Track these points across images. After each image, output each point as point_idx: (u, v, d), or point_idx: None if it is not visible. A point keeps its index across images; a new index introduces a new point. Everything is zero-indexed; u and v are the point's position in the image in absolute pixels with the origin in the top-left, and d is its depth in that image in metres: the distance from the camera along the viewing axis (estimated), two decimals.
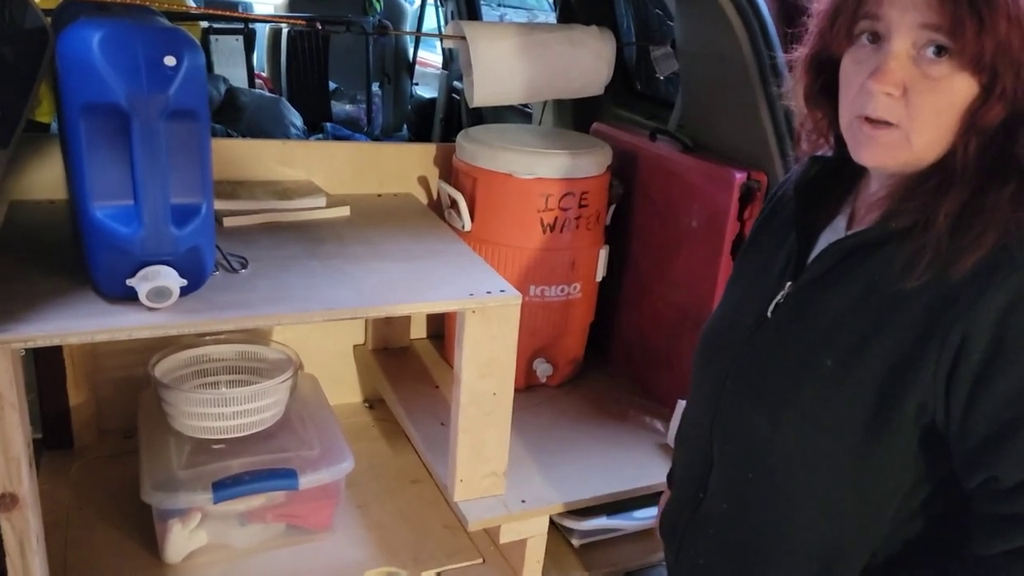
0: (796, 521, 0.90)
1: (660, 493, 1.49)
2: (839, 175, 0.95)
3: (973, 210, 0.77)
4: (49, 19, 1.26)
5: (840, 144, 0.93)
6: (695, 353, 1.08)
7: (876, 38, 0.80)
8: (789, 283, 0.93)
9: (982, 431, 0.77)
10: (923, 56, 0.76)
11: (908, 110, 0.78)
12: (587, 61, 1.82)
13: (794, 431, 0.87)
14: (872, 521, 0.86)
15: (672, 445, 1.62)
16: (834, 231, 0.93)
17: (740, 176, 1.57)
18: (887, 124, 0.79)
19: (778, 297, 0.93)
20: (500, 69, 1.73)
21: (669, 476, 1.26)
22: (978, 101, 0.76)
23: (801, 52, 0.91)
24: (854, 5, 0.81)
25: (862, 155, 0.83)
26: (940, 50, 0.75)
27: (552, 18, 2.46)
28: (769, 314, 0.93)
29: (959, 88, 0.76)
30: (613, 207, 1.82)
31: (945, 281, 0.78)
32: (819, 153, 0.98)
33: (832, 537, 0.88)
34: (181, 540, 1.39)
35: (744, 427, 0.93)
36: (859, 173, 0.93)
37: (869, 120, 0.80)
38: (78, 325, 1.07)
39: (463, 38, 1.71)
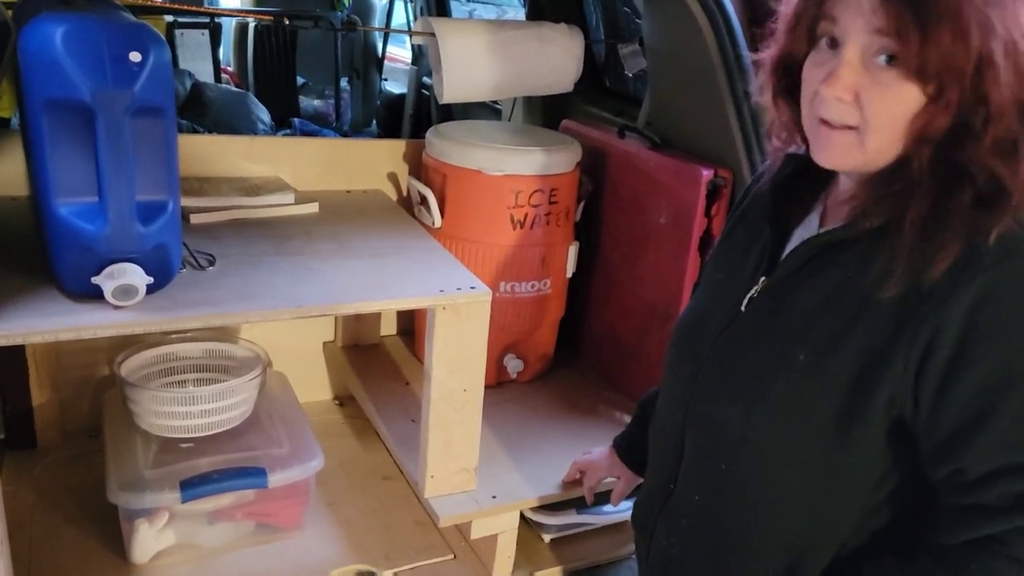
0: (767, 512, 0.91)
1: (633, 488, 1.52)
2: (812, 173, 0.96)
3: (937, 217, 0.79)
4: (11, 12, 1.25)
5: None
6: (668, 346, 1.09)
7: (834, 43, 0.81)
8: (763, 279, 0.94)
9: (949, 425, 0.79)
10: (874, 63, 0.78)
11: (863, 114, 0.79)
12: (556, 59, 1.82)
13: (766, 424, 0.89)
14: (841, 512, 0.88)
15: None
16: (807, 228, 0.95)
17: (707, 173, 1.59)
18: (844, 127, 0.80)
19: (752, 292, 0.94)
20: (469, 66, 1.73)
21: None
22: (926, 110, 0.78)
23: (768, 52, 0.93)
24: (815, 8, 0.82)
25: (819, 156, 0.85)
26: (890, 58, 0.77)
27: (521, 14, 2.46)
28: (743, 308, 0.95)
29: (908, 95, 0.77)
30: (583, 203, 1.83)
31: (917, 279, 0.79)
32: (792, 150, 0.99)
33: (803, 527, 0.90)
34: (148, 540, 1.37)
35: (716, 420, 0.94)
36: (830, 171, 0.94)
37: (826, 122, 0.82)
38: (42, 324, 1.05)
39: (432, 35, 1.71)
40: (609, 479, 1.41)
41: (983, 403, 0.76)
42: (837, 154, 0.83)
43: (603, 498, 1.56)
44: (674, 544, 1.02)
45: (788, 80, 0.91)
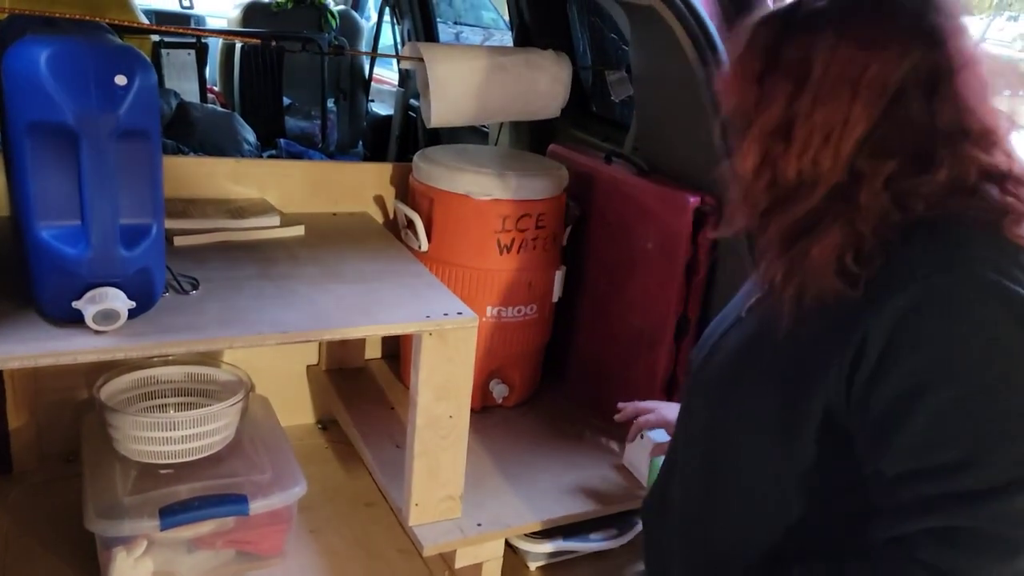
0: (731, 508, 0.96)
1: (618, 515, 1.53)
2: None
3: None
4: None
5: None
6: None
7: None
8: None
9: (870, 428, 0.83)
10: None
11: None
12: (544, 85, 1.83)
13: (730, 421, 0.95)
14: (792, 503, 0.91)
15: (628, 466, 1.63)
16: None
17: (694, 200, 1.59)
18: None
19: (751, 300, 1.00)
20: (458, 91, 1.74)
21: None
22: None
23: None
24: None
25: None
26: None
27: (508, 37, 2.48)
28: (743, 314, 1.01)
29: None
30: (569, 228, 1.83)
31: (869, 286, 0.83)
32: None
33: (755, 519, 0.94)
34: (126, 569, 1.34)
35: (695, 417, 1.02)
36: None
37: None
38: (20, 348, 1.03)
39: (421, 60, 1.71)
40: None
41: (899, 408, 0.80)
42: None
43: (590, 526, 1.56)
44: (664, 536, 1.08)
45: None
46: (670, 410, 1.41)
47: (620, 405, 1.52)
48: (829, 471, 0.88)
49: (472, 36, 4.86)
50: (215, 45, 4.05)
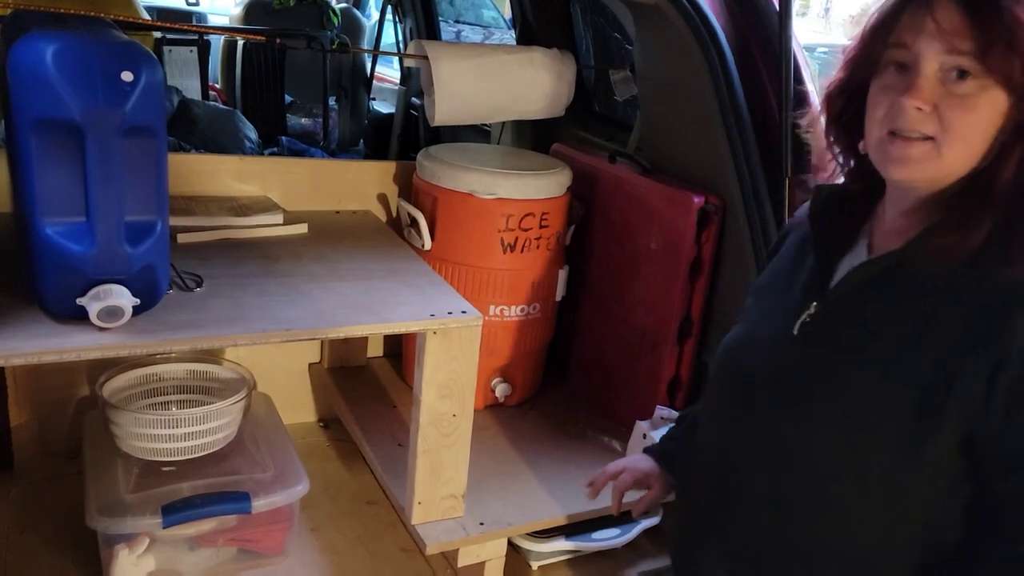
0: (831, 531, 0.92)
1: (621, 514, 1.51)
2: (853, 204, 1.01)
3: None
4: None
5: (862, 172, 0.99)
6: (714, 370, 1.11)
7: (903, 68, 0.87)
8: (815, 303, 0.96)
9: (1018, 438, 0.81)
10: (949, 78, 0.84)
11: (941, 124, 0.85)
12: (548, 83, 1.83)
13: (828, 441, 0.91)
14: (907, 530, 0.89)
15: None
16: (855, 256, 0.98)
17: (698, 200, 1.59)
18: (919, 140, 0.86)
19: (803, 316, 0.97)
20: (462, 89, 1.73)
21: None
22: (1012, 113, 0.84)
23: (830, 80, 0.97)
24: (884, 34, 0.88)
25: (892, 170, 0.89)
26: (963, 73, 0.84)
27: (508, 35, 2.48)
28: (795, 331, 0.97)
29: (986, 105, 0.84)
30: (573, 228, 1.83)
31: (985, 296, 0.84)
32: (826, 181, 1.05)
33: (867, 546, 0.91)
34: (128, 566, 1.34)
35: (776, 439, 0.96)
36: (874, 201, 0.99)
37: (900, 137, 0.87)
38: (24, 345, 1.03)
39: (425, 58, 1.71)
40: (631, 493, 1.36)
41: None
42: (912, 167, 0.87)
43: (592, 525, 1.55)
44: (725, 568, 1.02)
45: (847, 108, 0.96)
46: (642, 461, 1.32)
47: (588, 482, 1.37)
48: (954, 486, 0.86)
49: (472, 35, 4.86)
50: (217, 42, 4.04)
